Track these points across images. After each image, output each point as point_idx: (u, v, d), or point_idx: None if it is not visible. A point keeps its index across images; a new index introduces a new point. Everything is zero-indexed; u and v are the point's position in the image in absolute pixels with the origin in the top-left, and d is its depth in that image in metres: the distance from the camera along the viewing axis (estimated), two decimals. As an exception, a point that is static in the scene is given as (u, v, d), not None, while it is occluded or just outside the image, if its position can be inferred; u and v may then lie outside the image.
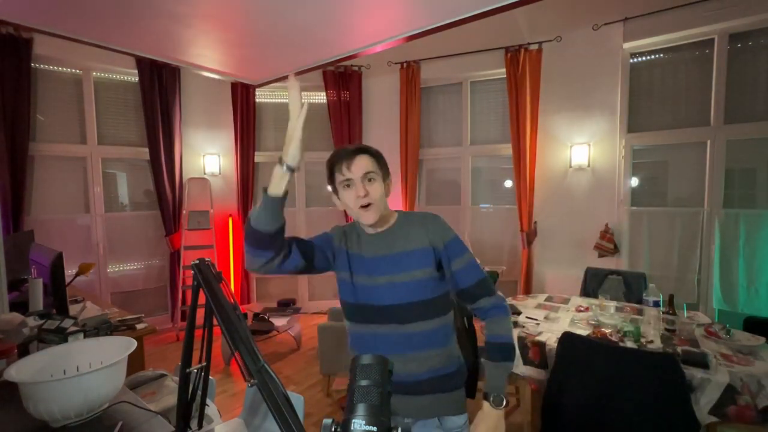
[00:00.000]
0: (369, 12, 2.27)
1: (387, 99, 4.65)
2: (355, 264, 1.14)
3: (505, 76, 4.08)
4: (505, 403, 1.06)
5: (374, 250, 1.13)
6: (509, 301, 2.67)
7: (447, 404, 1.14)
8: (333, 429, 0.51)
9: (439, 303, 1.12)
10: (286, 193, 1.03)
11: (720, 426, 1.67)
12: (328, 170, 1.12)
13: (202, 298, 0.84)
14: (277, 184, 1.01)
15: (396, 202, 4.73)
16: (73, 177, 3.83)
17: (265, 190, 1.02)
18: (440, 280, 1.12)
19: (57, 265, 1.88)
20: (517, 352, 2.07)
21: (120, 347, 1.19)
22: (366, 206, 1.07)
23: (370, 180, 1.07)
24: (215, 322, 0.78)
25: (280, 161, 1.00)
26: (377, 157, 1.11)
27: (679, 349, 1.81)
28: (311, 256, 1.16)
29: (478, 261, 1.17)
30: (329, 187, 1.16)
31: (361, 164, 1.06)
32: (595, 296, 2.89)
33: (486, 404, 1.06)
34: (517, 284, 4.22)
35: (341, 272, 1.17)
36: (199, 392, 0.96)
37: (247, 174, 4.57)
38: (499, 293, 1.16)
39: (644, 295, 2.59)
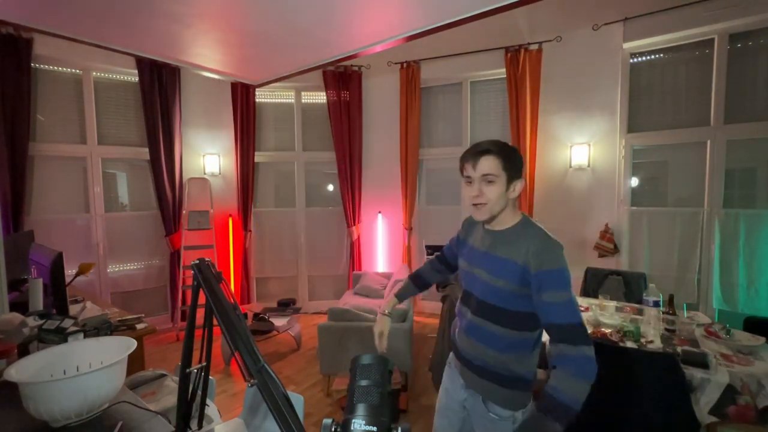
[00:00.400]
0: (369, 12, 2.27)
1: (387, 99, 4.65)
2: (468, 253, 1.29)
3: (505, 76, 4.08)
4: None
5: (485, 245, 1.22)
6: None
7: (492, 393, 1.19)
8: (333, 429, 0.51)
9: (511, 316, 1.14)
10: (400, 302, 1.53)
11: (720, 426, 1.67)
12: (460, 163, 1.21)
13: (202, 298, 0.84)
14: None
15: (396, 201, 4.73)
16: (73, 177, 3.83)
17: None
18: (520, 298, 1.11)
19: (57, 265, 1.88)
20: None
21: (120, 347, 1.19)
22: (477, 205, 1.15)
23: (489, 182, 1.12)
24: (215, 322, 0.78)
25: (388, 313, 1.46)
26: (506, 157, 1.13)
27: (679, 349, 1.81)
28: (452, 264, 1.48)
29: (572, 299, 1.06)
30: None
31: (483, 166, 1.12)
32: (595, 296, 2.89)
33: None
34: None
35: (460, 258, 1.34)
36: (199, 392, 0.96)
37: (247, 174, 4.57)
38: (588, 350, 1.02)
39: (644, 295, 2.59)
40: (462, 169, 1.19)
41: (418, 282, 1.54)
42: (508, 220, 1.19)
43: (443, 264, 1.52)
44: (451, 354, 1.38)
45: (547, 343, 1.10)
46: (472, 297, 1.23)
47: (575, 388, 0.99)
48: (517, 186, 1.16)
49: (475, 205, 1.15)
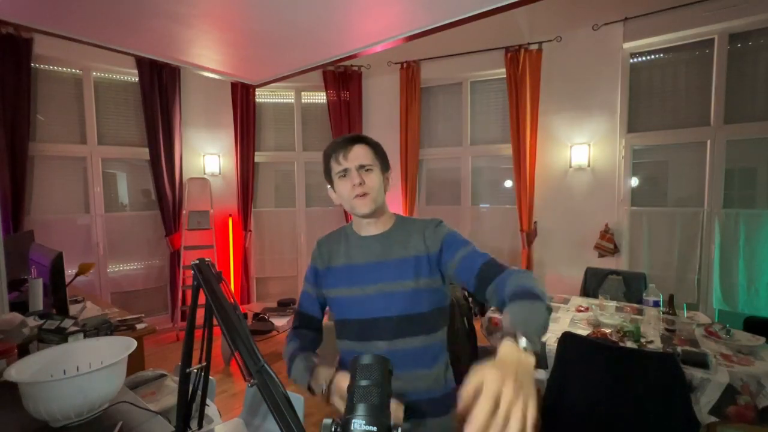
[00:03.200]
0: (369, 12, 2.27)
1: (387, 99, 4.65)
2: (343, 276, 1.08)
3: (505, 76, 4.08)
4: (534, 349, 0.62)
5: (367, 256, 1.06)
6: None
7: (434, 429, 1.04)
8: (333, 429, 0.51)
9: (430, 318, 1.03)
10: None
11: (720, 426, 1.67)
12: (324, 162, 1.08)
13: (202, 298, 0.84)
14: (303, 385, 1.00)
15: (396, 202, 4.73)
16: (73, 177, 3.83)
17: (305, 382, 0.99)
18: (436, 292, 1.03)
19: (57, 265, 1.88)
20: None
21: (120, 347, 1.19)
22: (362, 195, 1.01)
23: (366, 170, 1.02)
24: (215, 322, 0.78)
25: (310, 388, 0.98)
26: (375, 147, 1.06)
27: (679, 349, 1.81)
28: (318, 321, 1.21)
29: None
30: (327, 182, 1.12)
31: (358, 153, 1.02)
32: (595, 296, 2.89)
33: (506, 344, 0.62)
34: (517, 284, 4.22)
35: (329, 291, 1.11)
36: (199, 392, 0.96)
37: (247, 174, 4.57)
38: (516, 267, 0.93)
39: (644, 295, 2.59)
40: (331, 165, 1.05)
41: (310, 355, 1.07)
42: (388, 220, 1.09)
43: (311, 327, 1.20)
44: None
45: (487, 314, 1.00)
46: (379, 321, 1.02)
47: (531, 280, 0.82)
48: (389, 179, 1.09)
49: (358, 196, 1.01)
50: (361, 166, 1.02)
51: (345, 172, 1.03)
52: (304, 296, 1.19)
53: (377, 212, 1.06)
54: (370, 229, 1.08)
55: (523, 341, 0.61)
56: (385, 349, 1.01)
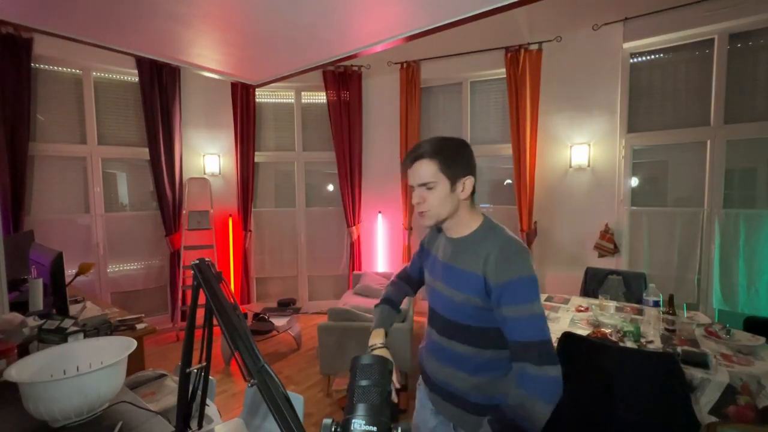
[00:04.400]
0: (369, 12, 2.27)
1: (387, 99, 4.65)
2: (432, 265, 1.19)
3: (505, 76, 4.08)
4: None
5: (446, 256, 1.12)
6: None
7: (465, 421, 1.07)
8: (333, 429, 0.51)
9: (475, 333, 1.03)
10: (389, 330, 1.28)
11: (720, 426, 1.67)
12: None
13: (202, 298, 0.84)
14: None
15: (396, 202, 4.73)
16: (73, 177, 3.83)
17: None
18: (487, 312, 1.01)
19: (57, 265, 1.88)
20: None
21: (120, 347, 1.19)
22: (422, 212, 1.08)
23: (429, 188, 1.04)
24: (215, 322, 0.78)
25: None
26: (444, 158, 1.03)
27: (679, 349, 1.81)
28: (417, 281, 1.38)
29: (536, 313, 0.95)
30: None
31: (418, 173, 1.05)
32: (595, 296, 2.89)
33: None
34: (517, 284, 4.22)
35: (424, 269, 1.25)
36: (199, 392, 0.96)
37: (247, 174, 4.57)
38: (553, 371, 0.91)
39: (644, 295, 2.59)
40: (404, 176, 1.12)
41: (394, 306, 1.33)
42: (467, 224, 1.09)
43: (409, 284, 1.38)
44: (420, 376, 1.27)
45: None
46: (436, 314, 1.14)
47: (536, 411, 0.89)
48: (467, 184, 1.06)
49: (420, 212, 1.08)
50: (422, 185, 1.05)
51: (412, 187, 1.09)
52: (414, 257, 1.36)
53: (446, 221, 1.09)
54: (450, 232, 1.13)
55: None
56: (439, 340, 1.12)
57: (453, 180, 1.04)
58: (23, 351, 1.37)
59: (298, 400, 1.35)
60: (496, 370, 1.05)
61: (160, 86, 4.02)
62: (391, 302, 1.32)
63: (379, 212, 4.88)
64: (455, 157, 1.05)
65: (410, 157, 1.07)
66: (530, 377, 0.91)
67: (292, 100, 4.81)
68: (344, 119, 4.62)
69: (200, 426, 1.02)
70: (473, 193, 1.09)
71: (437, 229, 1.20)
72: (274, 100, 4.82)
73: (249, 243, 4.65)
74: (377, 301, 1.33)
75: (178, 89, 4.15)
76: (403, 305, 2.85)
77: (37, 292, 1.88)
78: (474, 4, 2.11)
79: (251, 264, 4.75)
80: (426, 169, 1.03)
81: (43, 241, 2.58)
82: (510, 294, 0.95)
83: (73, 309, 2.11)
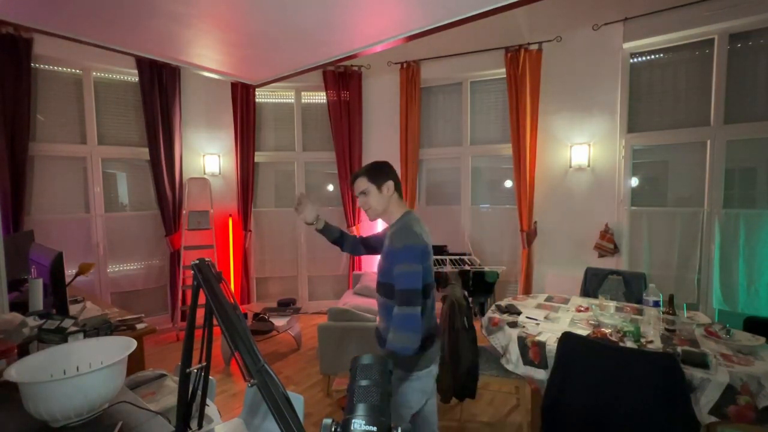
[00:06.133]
0: (369, 12, 2.26)
1: (387, 99, 4.65)
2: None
3: (505, 76, 4.08)
4: None
5: (386, 240, 1.55)
6: (509, 300, 2.67)
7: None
8: (333, 429, 0.51)
9: (390, 289, 1.43)
10: (323, 227, 1.76)
11: (720, 426, 1.67)
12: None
13: (202, 298, 0.84)
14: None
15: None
16: (73, 177, 3.83)
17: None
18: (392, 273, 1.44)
19: (57, 265, 1.88)
20: (517, 352, 2.07)
21: (120, 347, 1.19)
22: (365, 210, 1.59)
23: (365, 194, 1.55)
24: (215, 322, 0.78)
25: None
26: (369, 174, 1.55)
27: (679, 349, 1.81)
28: (366, 245, 1.82)
29: (409, 270, 1.37)
30: None
31: (358, 187, 1.57)
32: (595, 296, 2.90)
33: None
34: (517, 284, 4.23)
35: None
36: (199, 392, 0.96)
37: (247, 174, 4.57)
38: (409, 309, 1.34)
39: (644, 295, 2.59)
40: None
41: (339, 233, 1.80)
42: (396, 214, 1.57)
43: (364, 243, 1.83)
44: None
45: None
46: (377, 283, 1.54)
47: (398, 338, 1.32)
48: (389, 185, 1.55)
49: (365, 211, 1.58)
50: (361, 192, 1.56)
51: (357, 196, 1.60)
52: (380, 233, 1.80)
53: (383, 215, 1.59)
54: (387, 221, 1.62)
55: None
56: (378, 300, 1.55)
57: (378, 185, 1.54)
58: (23, 351, 1.37)
59: (298, 400, 1.35)
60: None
61: (160, 86, 4.02)
62: (340, 232, 1.81)
63: (379, 212, 4.87)
64: (377, 171, 1.56)
65: (353, 178, 1.59)
66: (395, 315, 1.36)
67: (292, 100, 4.81)
68: (344, 119, 4.62)
69: (200, 426, 1.02)
70: (399, 193, 1.59)
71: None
72: (274, 100, 4.82)
73: (249, 243, 4.65)
74: (377, 301, 1.58)
75: (178, 89, 4.15)
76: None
77: (37, 292, 1.87)
78: (474, 4, 2.11)
79: (251, 264, 4.75)
80: (360, 183, 1.56)
81: (43, 241, 2.58)
82: (395, 256, 1.41)
83: (73, 309, 2.11)
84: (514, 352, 2.08)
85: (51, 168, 3.68)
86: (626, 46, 3.62)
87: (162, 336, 4.03)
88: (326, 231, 1.75)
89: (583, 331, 2.09)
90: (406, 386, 1.44)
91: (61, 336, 1.40)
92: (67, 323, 1.46)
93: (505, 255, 4.40)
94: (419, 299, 1.36)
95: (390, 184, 1.55)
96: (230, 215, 4.60)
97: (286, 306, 3.96)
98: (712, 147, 3.37)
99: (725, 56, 3.29)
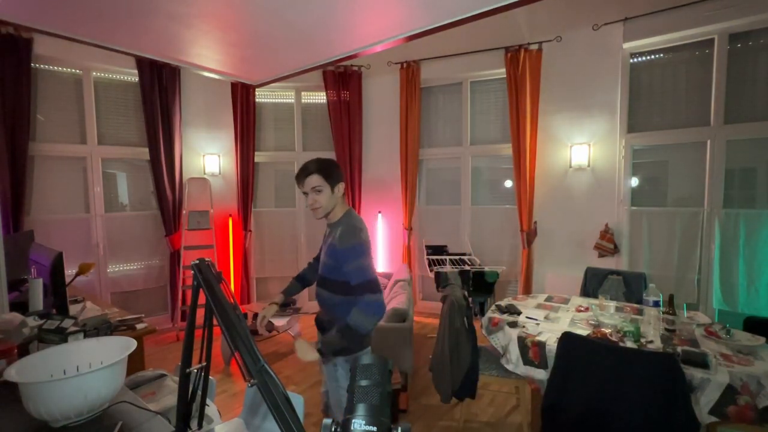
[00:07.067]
0: (369, 12, 2.26)
1: (387, 99, 4.65)
2: (323, 245, 1.71)
3: (505, 76, 4.08)
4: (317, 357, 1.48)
5: (327, 237, 1.66)
6: (509, 300, 2.67)
7: (320, 340, 1.59)
8: (333, 429, 0.51)
9: (337, 285, 1.57)
10: (286, 296, 1.85)
11: (720, 426, 1.67)
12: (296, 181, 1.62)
13: (202, 298, 0.84)
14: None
15: (396, 202, 4.74)
16: (73, 177, 3.83)
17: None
18: (336, 271, 1.56)
19: (57, 265, 1.88)
20: (517, 352, 2.07)
21: (120, 347, 1.19)
22: (313, 209, 1.60)
23: (317, 192, 1.56)
24: (215, 322, 0.78)
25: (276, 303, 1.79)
26: (325, 172, 1.55)
27: (679, 349, 1.81)
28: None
29: (363, 264, 1.50)
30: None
31: (311, 183, 1.56)
32: (595, 296, 2.90)
33: (301, 344, 1.51)
34: (517, 284, 4.23)
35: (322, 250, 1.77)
36: (199, 392, 0.96)
37: (247, 174, 4.57)
38: (371, 297, 1.47)
39: (644, 295, 2.59)
40: (298, 187, 1.62)
41: (301, 281, 1.88)
42: (338, 214, 1.62)
43: (315, 261, 1.89)
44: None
45: None
46: (320, 278, 1.66)
47: (359, 317, 1.44)
48: (340, 187, 1.60)
49: (312, 209, 1.59)
50: (313, 189, 1.56)
51: (305, 193, 1.60)
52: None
53: (329, 214, 1.62)
54: (330, 219, 1.66)
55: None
56: (319, 291, 1.66)
57: (332, 185, 1.57)
58: (23, 351, 1.37)
59: (298, 400, 1.35)
60: (341, 306, 1.56)
61: (160, 86, 4.02)
62: (301, 278, 1.88)
63: (379, 212, 4.88)
64: (332, 171, 1.58)
65: (303, 173, 1.56)
66: (359, 302, 1.47)
67: (292, 100, 4.81)
68: (344, 119, 4.62)
69: (200, 426, 1.02)
70: (343, 193, 1.63)
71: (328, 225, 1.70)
72: (274, 100, 4.82)
73: (249, 243, 4.65)
74: (319, 294, 1.68)
75: (178, 89, 4.15)
76: (403, 306, 2.87)
77: (37, 292, 1.87)
78: (474, 4, 2.11)
79: (251, 264, 4.75)
80: (314, 179, 1.55)
81: (43, 241, 2.58)
82: (345, 256, 1.51)
83: (73, 309, 2.11)
84: (514, 352, 2.08)
85: (51, 168, 3.68)
86: (626, 46, 3.62)
87: (162, 336, 4.03)
88: (291, 293, 1.84)
89: (583, 331, 2.09)
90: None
91: (61, 336, 1.40)
92: (67, 323, 1.46)
93: (505, 255, 4.40)
94: (378, 286, 1.51)
95: (342, 186, 1.61)
96: (230, 215, 4.60)
97: (286, 306, 3.95)
98: (712, 147, 3.37)
99: (725, 56, 3.29)
